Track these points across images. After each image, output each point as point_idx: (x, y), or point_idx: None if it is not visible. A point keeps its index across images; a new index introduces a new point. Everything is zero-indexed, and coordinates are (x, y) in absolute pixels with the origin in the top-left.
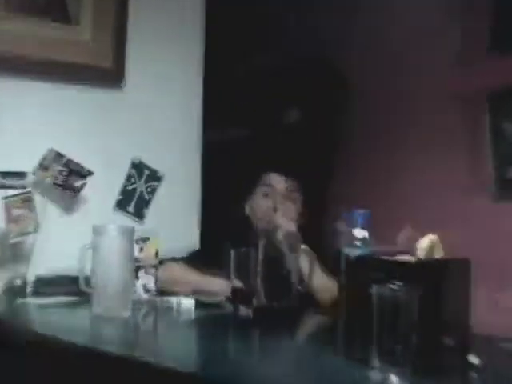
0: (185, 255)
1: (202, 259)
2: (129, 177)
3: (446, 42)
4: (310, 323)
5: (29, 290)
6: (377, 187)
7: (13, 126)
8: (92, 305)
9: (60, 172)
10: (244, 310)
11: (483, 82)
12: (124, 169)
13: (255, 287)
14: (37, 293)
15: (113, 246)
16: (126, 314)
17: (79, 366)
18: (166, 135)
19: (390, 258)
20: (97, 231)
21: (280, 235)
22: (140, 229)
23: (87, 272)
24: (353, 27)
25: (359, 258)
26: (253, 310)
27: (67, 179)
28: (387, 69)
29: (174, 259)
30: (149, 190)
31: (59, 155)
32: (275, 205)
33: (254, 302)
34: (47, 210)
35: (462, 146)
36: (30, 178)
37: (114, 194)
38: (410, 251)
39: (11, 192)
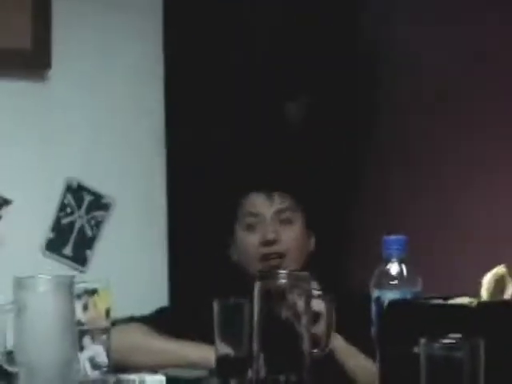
0: (148, 314)
1: (173, 319)
2: (63, 206)
3: None
4: None
5: None
6: (420, 209)
7: None
8: None
9: None
10: None
11: None
12: (56, 194)
13: (250, 354)
14: None
15: (44, 305)
16: None
17: None
18: (113, 145)
19: (440, 302)
20: (20, 285)
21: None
22: (82, 278)
23: (8, 345)
24: None
25: (396, 304)
26: None
27: None
28: None
29: (132, 319)
30: (92, 222)
31: None
32: (265, 237)
33: (250, 374)
34: None
35: None
36: None
37: (44, 231)
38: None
39: None
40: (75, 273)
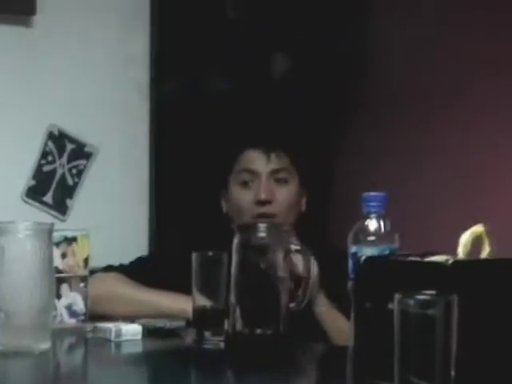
0: (127, 263)
1: (152, 268)
2: (44, 153)
3: None
4: (307, 355)
5: None
6: (403, 165)
7: None
8: None
9: None
10: (212, 339)
11: None
12: (37, 142)
13: (228, 306)
14: None
15: (23, 251)
16: (44, 347)
17: None
18: (97, 93)
19: (416, 259)
20: (0, 230)
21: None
22: (62, 227)
23: None
24: None
25: (373, 260)
26: (225, 339)
27: None
28: None
29: (110, 268)
30: (74, 171)
31: None
32: (259, 197)
33: (227, 327)
34: None
35: None
36: None
37: (24, 178)
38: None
39: None
40: (55, 221)
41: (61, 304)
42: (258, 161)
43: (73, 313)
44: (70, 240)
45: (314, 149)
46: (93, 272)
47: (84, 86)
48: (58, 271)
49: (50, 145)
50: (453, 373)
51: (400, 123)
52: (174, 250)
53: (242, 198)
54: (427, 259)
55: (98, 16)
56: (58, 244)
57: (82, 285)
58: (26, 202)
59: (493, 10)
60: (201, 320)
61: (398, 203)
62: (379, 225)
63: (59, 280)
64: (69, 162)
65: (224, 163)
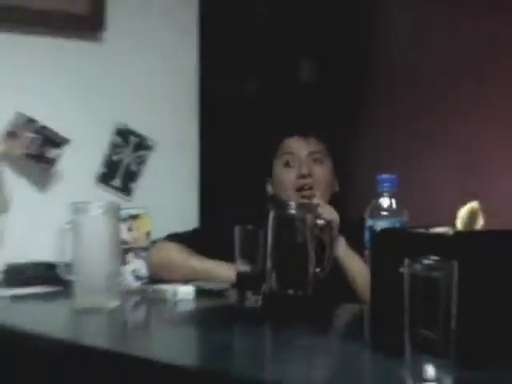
0: (183, 232)
1: (203, 239)
2: (113, 145)
3: None
4: (332, 312)
5: None
6: (409, 150)
7: None
8: (74, 295)
9: (32, 140)
10: (252, 299)
11: None
12: (107, 136)
13: (265, 271)
14: (8, 283)
15: (96, 226)
16: (113, 305)
17: (61, 365)
18: (156, 94)
19: (422, 231)
20: (77, 210)
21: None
22: (127, 206)
23: (67, 258)
24: None
25: (386, 232)
26: (262, 299)
27: (40, 149)
28: None
29: (169, 238)
30: (137, 160)
31: (30, 120)
32: (300, 172)
33: (264, 288)
34: (17, 186)
35: None
36: None
37: (96, 166)
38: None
39: None
40: (122, 201)
41: (127, 270)
42: (297, 144)
43: (137, 277)
44: (134, 217)
45: (341, 136)
46: (154, 243)
47: (145, 90)
48: (125, 243)
49: (118, 139)
50: (453, 325)
51: (413, 115)
52: (220, 224)
53: (286, 175)
54: (431, 230)
55: (156, 29)
56: (124, 220)
57: (144, 254)
58: (98, 185)
59: None
60: (242, 283)
61: (407, 183)
62: (391, 202)
63: (125, 250)
64: (133, 152)
65: (270, 149)
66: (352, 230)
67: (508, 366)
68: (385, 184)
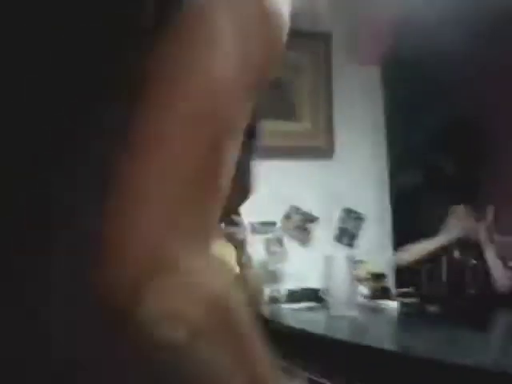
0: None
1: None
2: (341, 219)
3: None
4: None
5: (283, 298)
6: None
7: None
8: (329, 307)
9: (298, 220)
10: None
11: None
12: (338, 213)
13: None
14: (289, 300)
15: (340, 269)
16: (354, 313)
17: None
18: (363, 190)
19: None
20: (328, 259)
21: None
22: (352, 254)
23: (325, 285)
24: None
25: None
26: None
27: (303, 225)
28: None
29: (383, 275)
30: (356, 227)
31: (297, 209)
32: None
33: None
34: (291, 246)
35: None
36: (279, 225)
37: (333, 231)
38: None
39: (266, 236)
40: (348, 251)
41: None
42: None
43: (362, 295)
44: (358, 262)
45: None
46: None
47: (357, 187)
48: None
49: (343, 215)
50: None
51: None
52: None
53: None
54: None
55: (357, 156)
56: (354, 263)
57: (366, 283)
58: (334, 243)
59: None
60: None
61: None
62: None
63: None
64: (353, 221)
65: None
66: None
67: None
68: None
